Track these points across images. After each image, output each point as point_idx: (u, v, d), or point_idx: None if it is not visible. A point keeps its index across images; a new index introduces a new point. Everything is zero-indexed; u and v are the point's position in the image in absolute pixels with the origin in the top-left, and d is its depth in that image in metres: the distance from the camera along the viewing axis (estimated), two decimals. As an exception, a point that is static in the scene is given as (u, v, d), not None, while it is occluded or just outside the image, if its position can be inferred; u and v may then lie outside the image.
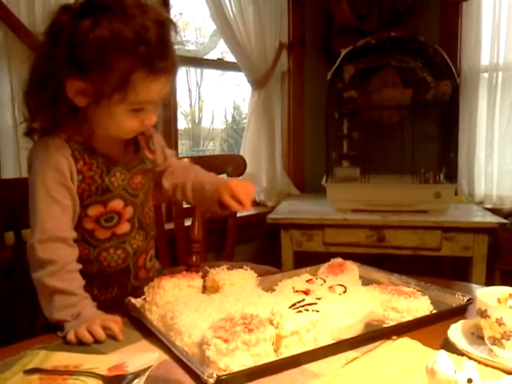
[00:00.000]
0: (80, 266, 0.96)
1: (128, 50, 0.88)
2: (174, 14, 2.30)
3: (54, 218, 0.93)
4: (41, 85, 0.93)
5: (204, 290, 1.02)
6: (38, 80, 0.93)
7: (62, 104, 0.92)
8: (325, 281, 1.04)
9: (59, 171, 0.94)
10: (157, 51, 0.90)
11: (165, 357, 0.79)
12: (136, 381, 0.69)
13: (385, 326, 0.89)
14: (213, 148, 3.02)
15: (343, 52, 2.25)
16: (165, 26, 0.93)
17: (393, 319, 0.90)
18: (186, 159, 1.67)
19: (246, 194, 1.06)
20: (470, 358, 0.74)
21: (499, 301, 0.80)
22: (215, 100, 2.92)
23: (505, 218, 2.18)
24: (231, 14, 2.28)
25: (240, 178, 1.77)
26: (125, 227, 1.05)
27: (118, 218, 1.04)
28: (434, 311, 0.93)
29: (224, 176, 1.45)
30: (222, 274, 1.02)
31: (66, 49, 0.88)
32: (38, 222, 0.93)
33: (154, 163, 1.13)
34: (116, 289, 1.08)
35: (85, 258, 1.01)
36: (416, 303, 0.91)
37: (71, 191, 0.96)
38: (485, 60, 2.51)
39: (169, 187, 1.18)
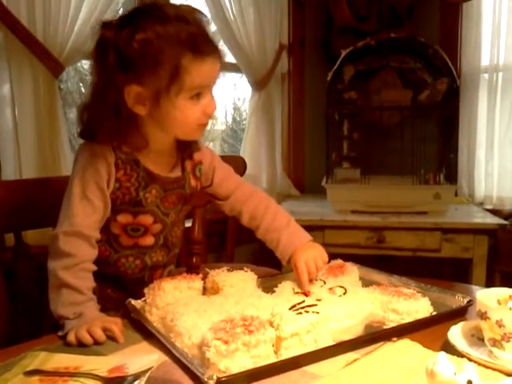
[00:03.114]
0: (95, 268, 0.97)
1: (172, 40, 0.91)
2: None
3: (84, 215, 0.96)
4: (101, 99, 0.95)
5: (204, 291, 1.01)
6: (98, 95, 0.96)
7: (124, 116, 0.95)
8: (325, 282, 1.04)
9: (98, 173, 0.97)
10: (199, 35, 0.93)
11: (165, 358, 0.79)
12: (136, 382, 0.69)
13: (385, 327, 0.89)
14: (213, 149, 3.01)
15: (343, 53, 2.25)
16: (200, 15, 0.97)
17: (393, 321, 0.90)
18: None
19: (315, 271, 1.04)
20: (470, 359, 0.73)
21: (499, 302, 0.79)
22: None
23: (505, 219, 2.18)
24: (231, 15, 2.29)
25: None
26: (149, 240, 1.06)
27: (143, 230, 1.05)
28: (434, 313, 0.93)
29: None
30: (222, 276, 1.02)
31: (114, 57, 0.91)
32: (68, 215, 0.96)
33: (195, 190, 1.13)
34: (129, 292, 1.08)
35: (104, 259, 1.03)
36: (416, 305, 0.91)
37: (105, 195, 0.98)
38: (485, 61, 2.51)
39: (231, 212, 1.19)
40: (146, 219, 1.04)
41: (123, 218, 1.02)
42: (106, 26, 0.94)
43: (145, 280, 1.09)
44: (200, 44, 0.93)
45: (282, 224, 1.13)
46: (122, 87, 0.93)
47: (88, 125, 1.00)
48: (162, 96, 0.93)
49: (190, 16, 0.94)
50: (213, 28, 1.06)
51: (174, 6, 0.97)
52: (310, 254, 1.06)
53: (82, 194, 0.96)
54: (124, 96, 0.93)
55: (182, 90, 0.93)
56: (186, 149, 1.09)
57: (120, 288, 1.08)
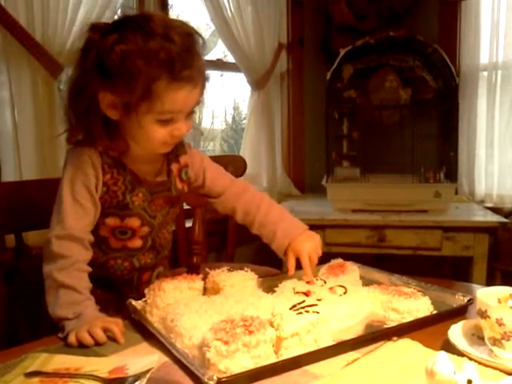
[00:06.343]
0: (90, 269, 0.98)
1: (150, 58, 0.90)
2: (172, 15, 2.30)
3: (76, 218, 0.97)
4: (75, 97, 0.96)
5: (204, 291, 1.02)
6: (73, 93, 0.97)
7: (94, 116, 0.95)
8: (325, 282, 1.04)
9: (86, 176, 0.98)
10: (179, 59, 0.91)
11: (165, 359, 0.79)
12: (137, 383, 0.69)
13: (385, 326, 0.89)
14: (213, 148, 3.02)
15: (342, 52, 2.25)
16: (190, 36, 0.95)
17: (393, 320, 0.90)
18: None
19: (311, 262, 1.08)
20: (470, 358, 0.74)
21: (499, 301, 0.79)
22: (215, 100, 2.92)
23: (505, 217, 2.18)
24: (230, 14, 2.29)
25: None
26: (137, 243, 1.07)
27: (131, 233, 1.05)
28: (435, 312, 0.93)
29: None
30: (222, 276, 1.02)
31: (94, 62, 0.92)
32: (60, 219, 0.97)
33: (181, 192, 1.13)
34: (118, 293, 1.09)
35: (93, 261, 1.03)
36: (416, 304, 0.91)
37: (94, 197, 0.99)
38: (484, 58, 2.51)
39: (224, 210, 1.20)
40: (134, 222, 1.05)
41: (111, 221, 1.03)
42: (93, 28, 0.95)
43: (133, 282, 1.10)
44: (179, 68, 0.91)
45: (276, 217, 1.15)
46: (97, 91, 0.94)
47: (70, 127, 1.00)
48: (131, 110, 0.94)
49: (176, 36, 0.92)
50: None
51: (164, 20, 0.95)
52: (308, 246, 1.10)
53: (73, 197, 0.98)
54: (98, 99, 0.94)
55: (151, 112, 0.93)
56: (171, 152, 1.08)
57: (109, 289, 1.09)
